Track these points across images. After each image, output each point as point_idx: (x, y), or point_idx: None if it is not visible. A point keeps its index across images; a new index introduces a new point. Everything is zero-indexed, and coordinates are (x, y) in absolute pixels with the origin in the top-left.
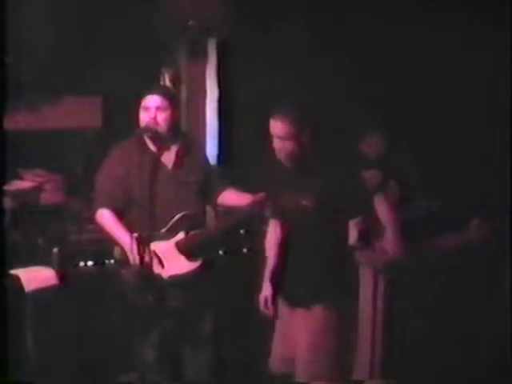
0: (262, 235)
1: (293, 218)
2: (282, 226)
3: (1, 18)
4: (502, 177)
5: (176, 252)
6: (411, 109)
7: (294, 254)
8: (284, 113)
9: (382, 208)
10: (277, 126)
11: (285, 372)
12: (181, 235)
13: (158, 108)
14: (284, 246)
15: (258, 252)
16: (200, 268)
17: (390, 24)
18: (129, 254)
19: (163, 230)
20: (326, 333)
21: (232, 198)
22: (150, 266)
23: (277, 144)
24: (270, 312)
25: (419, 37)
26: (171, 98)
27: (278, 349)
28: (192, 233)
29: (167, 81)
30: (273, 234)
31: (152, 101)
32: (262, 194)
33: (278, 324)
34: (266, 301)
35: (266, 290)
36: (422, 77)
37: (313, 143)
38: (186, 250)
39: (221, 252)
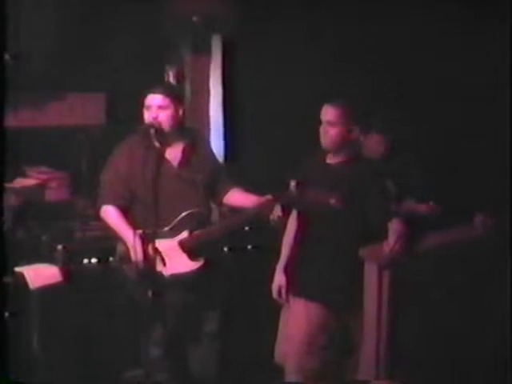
0: (267, 232)
1: (315, 213)
2: (303, 219)
3: (1, 13)
4: (505, 172)
5: (179, 251)
6: (414, 106)
7: (308, 247)
8: (340, 102)
9: (393, 226)
10: (329, 112)
11: None
12: (184, 234)
13: (159, 107)
14: (302, 237)
15: (263, 249)
16: (202, 268)
17: (393, 24)
18: (131, 250)
19: (167, 228)
20: (320, 329)
21: (238, 198)
22: (152, 263)
23: (323, 129)
24: (283, 301)
25: (421, 37)
26: (173, 95)
27: (282, 340)
28: (196, 232)
29: (171, 77)
30: (293, 224)
31: (153, 100)
32: (268, 197)
33: (282, 316)
34: (279, 290)
35: (280, 279)
36: (425, 76)
37: (357, 141)
38: (189, 249)
39: (225, 249)
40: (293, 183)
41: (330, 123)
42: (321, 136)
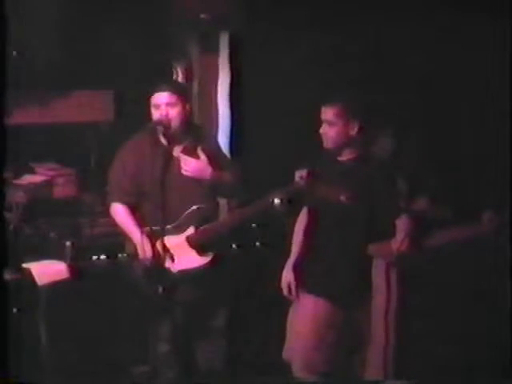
0: (275, 229)
1: (326, 210)
2: (313, 215)
3: (8, 10)
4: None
5: (187, 246)
6: (418, 107)
7: (317, 244)
8: (337, 100)
9: (401, 224)
10: (327, 112)
11: None
12: (191, 230)
13: (168, 104)
14: (311, 234)
15: (271, 246)
16: (211, 263)
17: (392, 24)
18: (138, 248)
19: (174, 225)
20: (328, 326)
21: None
22: (160, 260)
23: (323, 129)
24: (292, 297)
25: (422, 37)
26: (180, 92)
27: (290, 337)
28: (202, 227)
29: (179, 74)
30: (303, 221)
31: (161, 98)
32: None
33: (291, 313)
34: (289, 286)
35: (290, 275)
36: (428, 77)
37: (360, 138)
38: (196, 244)
39: (234, 246)
40: (298, 174)
41: (328, 123)
42: (322, 137)
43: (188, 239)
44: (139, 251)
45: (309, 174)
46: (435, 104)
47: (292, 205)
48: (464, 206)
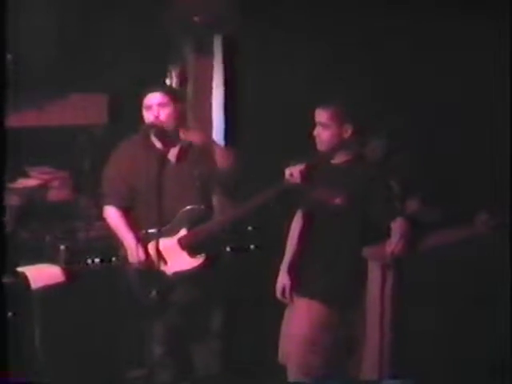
0: (270, 232)
1: (320, 213)
2: (308, 218)
3: (3, 14)
4: (507, 171)
5: (178, 248)
6: (414, 108)
7: (312, 247)
8: (331, 103)
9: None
10: (322, 114)
11: None
12: (183, 231)
13: (159, 105)
14: (306, 237)
15: (266, 248)
16: (203, 264)
17: (389, 26)
18: (129, 252)
19: (166, 227)
20: (323, 328)
21: None
22: (153, 263)
23: (316, 131)
24: (287, 300)
25: (420, 36)
26: (172, 93)
27: (284, 340)
28: (194, 229)
29: (174, 77)
30: (297, 224)
31: (153, 98)
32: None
33: (286, 316)
34: (283, 289)
35: (284, 278)
36: (423, 77)
37: (354, 141)
38: (188, 246)
39: (228, 249)
40: (288, 171)
41: (322, 125)
42: (316, 139)
43: (180, 241)
44: (130, 254)
45: (299, 170)
46: (432, 105)
47: (286, 206)
48: (460, 207)
